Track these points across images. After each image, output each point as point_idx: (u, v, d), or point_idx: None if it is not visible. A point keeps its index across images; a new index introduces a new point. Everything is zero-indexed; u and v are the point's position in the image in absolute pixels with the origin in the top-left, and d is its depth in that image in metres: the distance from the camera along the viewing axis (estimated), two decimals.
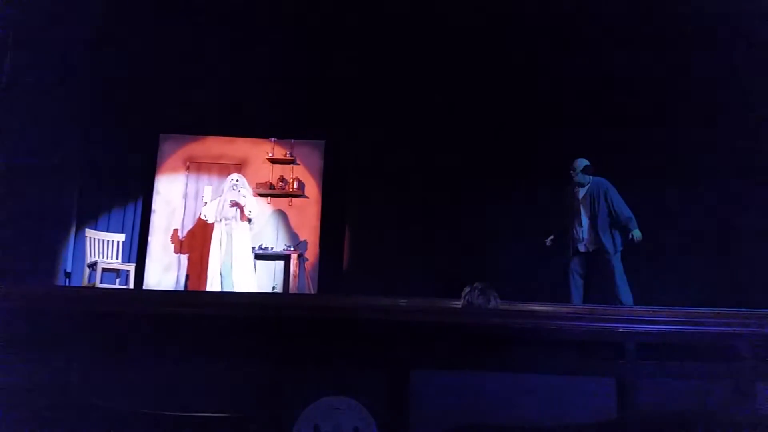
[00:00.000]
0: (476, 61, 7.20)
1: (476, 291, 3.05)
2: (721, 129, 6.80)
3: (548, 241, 6.13)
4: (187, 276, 7.59)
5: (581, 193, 5.98)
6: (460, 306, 3.07)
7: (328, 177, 7.90)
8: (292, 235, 7.73)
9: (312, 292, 7.35)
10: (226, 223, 6.83)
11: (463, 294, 3.09)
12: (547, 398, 2.17)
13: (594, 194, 5.89)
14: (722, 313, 3.19)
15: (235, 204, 6.83)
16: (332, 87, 7.54)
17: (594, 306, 4.55)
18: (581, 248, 5.90)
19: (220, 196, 6.96)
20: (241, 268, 6.79)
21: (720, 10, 6.19)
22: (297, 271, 7.34)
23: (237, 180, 6.98)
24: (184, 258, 7.66)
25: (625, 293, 5.68)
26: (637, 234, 5.74)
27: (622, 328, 2.32)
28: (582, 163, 5.98)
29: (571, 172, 5.99)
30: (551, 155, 6.91)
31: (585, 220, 5.90)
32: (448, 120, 7.52)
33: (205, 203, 7.00)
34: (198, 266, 7.46)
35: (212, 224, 6.93)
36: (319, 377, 2.17)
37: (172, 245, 7.68)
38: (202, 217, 7.02)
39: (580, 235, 5.91)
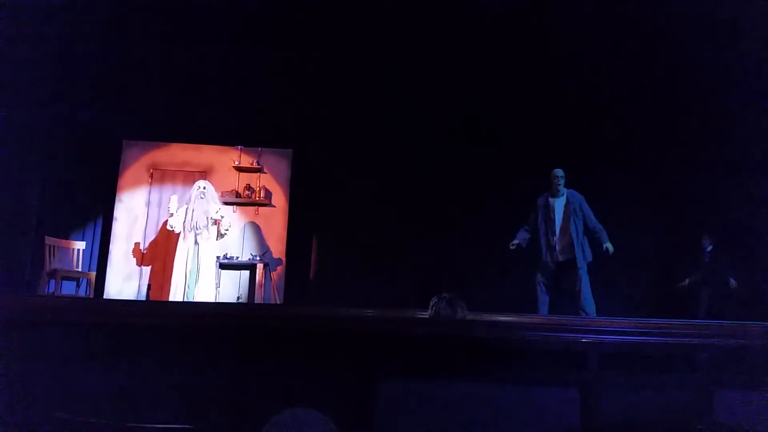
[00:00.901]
0: (445, 68, 7.20)
1: (444, 301, 3.04)
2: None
3: (512, 246, 6.07)
4: (149, 285, 7.43)
5: (557, 203, 6.00)
6: (427, 316, 3.06)
7: (296, 186, 7.85)
8: (259, 245, 7.64)
9: (278, 302, 7.27)
10: (197, 233, 6.69)
11: (430, 304, 3.09)
12: (512, 408, 2.18)
13: (572, 205, 5.94)
14: (682, 324, 3.26)
15: (215, 222, 6.76)
16: (300, 95, 7.49)
17: (559, 317, 4.61)
18: (551, 258, 5.93)
19: (187, 204, 6.82)
20: (207, 279, 6.69)
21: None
22: (263, 281, 7.26)
23: (204, 187, 6.84)
24: (146, 267, 7.51)
25: (590, 304, 5.76)
26: (610, 246, 5.86)
27: (585, 338, 2.35)
28: (563, 172, 6.02)
29: (556, 180, 5.97)
30: (519, 166, 7.01)
31: (558, 231, 5.93)
32: (416, 130, 7.54)
33: (171, 214, 6.82)
34: (160, 276, 7.31)
35: (177, 234, 6.80)
36: (284, 388, 2.14)
37: (135, 258, 7.51)
38: (169, 228, 6.85)
39: (552, 245, 5.94)
